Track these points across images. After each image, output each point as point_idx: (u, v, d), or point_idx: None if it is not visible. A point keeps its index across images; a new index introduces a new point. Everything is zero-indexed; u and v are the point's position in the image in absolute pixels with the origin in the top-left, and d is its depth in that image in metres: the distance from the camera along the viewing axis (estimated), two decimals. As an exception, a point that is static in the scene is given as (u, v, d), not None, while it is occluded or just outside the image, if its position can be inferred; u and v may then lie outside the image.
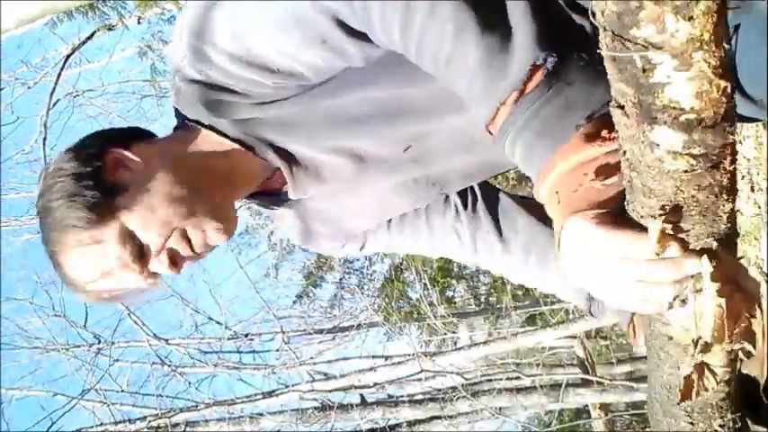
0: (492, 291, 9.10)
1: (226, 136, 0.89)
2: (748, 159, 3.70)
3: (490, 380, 6.24)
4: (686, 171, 0.48)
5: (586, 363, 6.01)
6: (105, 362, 6.48)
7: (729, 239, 0.54)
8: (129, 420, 5.95)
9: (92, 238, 0.87)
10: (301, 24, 0.73)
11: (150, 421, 5.82)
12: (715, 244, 0.53)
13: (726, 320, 0.51)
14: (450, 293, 8.99)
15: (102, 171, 0.89)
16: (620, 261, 0.54)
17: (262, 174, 0.97)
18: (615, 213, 0.56)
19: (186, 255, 0.92)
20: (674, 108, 0.45)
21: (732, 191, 0.51)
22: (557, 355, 9.19)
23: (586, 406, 6.48)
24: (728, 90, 0.44)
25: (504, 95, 0.63)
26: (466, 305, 9.55)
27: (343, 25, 0.73)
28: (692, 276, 0.52)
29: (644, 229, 0.53)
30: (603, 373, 7.15)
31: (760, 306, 0.53)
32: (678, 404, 0.61)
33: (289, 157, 0.91)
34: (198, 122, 0.90)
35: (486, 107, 0.66)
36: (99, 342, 6.58)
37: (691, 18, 0.40)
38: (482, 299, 9.45)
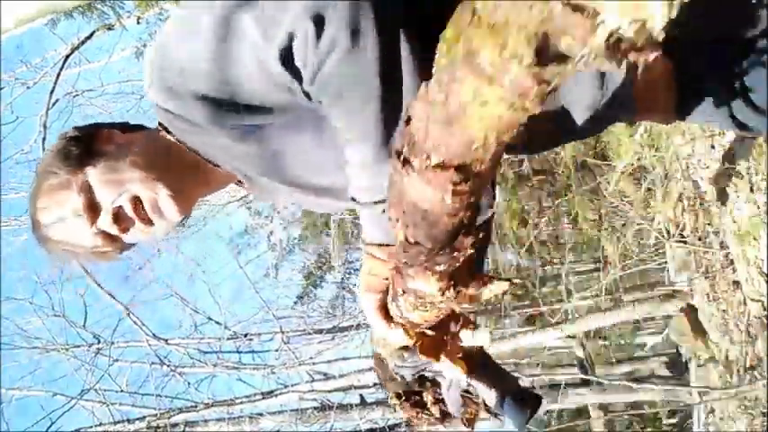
0: (491, 291, 9.09)
1: (192, 150, 0.99)
2: (747, 160, 3.70)
3: (489, 380, 6.23)
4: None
5: (586, 363, 6.01)
6: (105, 362, 6.49)
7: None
8: (129, 420, 5.95)
9: (59, 184, 0.98)
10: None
11: (149, 421, 5.82)
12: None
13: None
14: (449, 293, 8.98)
15: (93, 140, 1.00)
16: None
17: (232, 178, 1.05)
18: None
19: (134, 215, 0.97)
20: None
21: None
22: (556, 356, 9.19)
23: (586, 406, 6.49)
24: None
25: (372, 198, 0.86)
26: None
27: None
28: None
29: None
30: (603, 374, 7.15)
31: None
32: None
33: (248, 178, 1.02)
34: (167, 131, 0.99)
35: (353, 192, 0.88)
36: (98, 342, 6.58)
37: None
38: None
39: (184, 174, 1.00)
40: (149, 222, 0.98)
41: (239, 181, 1.06)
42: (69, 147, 0.99)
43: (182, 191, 0.99)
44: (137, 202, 0.97)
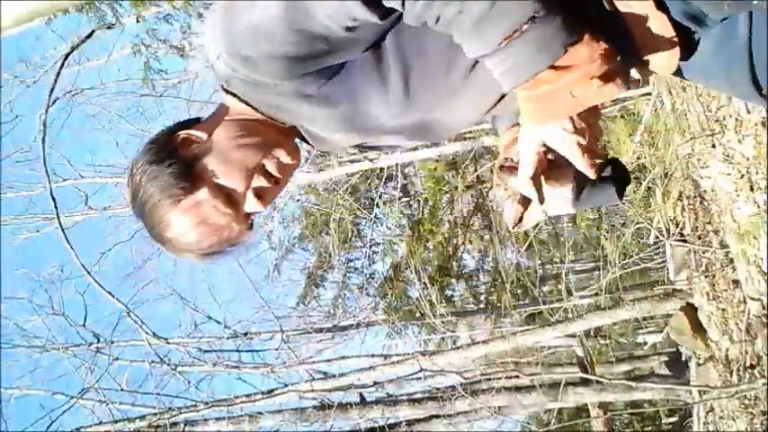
0: (491, 290, 9.11)
1: (256, 110, 1.03)
2: (747, 159, 3.70)
3: (489, 379, 6.24)
4: None
5: (585, 362, 6.02)
6: (104, 361, 6.49)
7: None
8: (129, 419, 5.95)
9: (191, 201, 1.02)
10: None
11: (150, 420, 5.82)
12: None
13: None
14: (449, 292, 9.00)
15: (176, 152, 1.04)
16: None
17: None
18: None
19: (269, 185, 1.05)
20: None
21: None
22: (556, 354, 9.19)
23: (586, 405, 6.49)
24: None
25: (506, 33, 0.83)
26: (465, 304, 9.56)
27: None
28: None
29: None
30: (603, 372, 7.14)
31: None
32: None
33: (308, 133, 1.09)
34: (235, 95, 1.03)
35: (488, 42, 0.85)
36: (98, 341, 6.58)
37: None
38: (481, 298, 9.46)
39: (277, 134, 1.06)
40: (282, 181, 1.06)
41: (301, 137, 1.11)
42: (169, 169, 1.02)
43: (286, 143, 1.06)
44: (265, 172, 1.04)
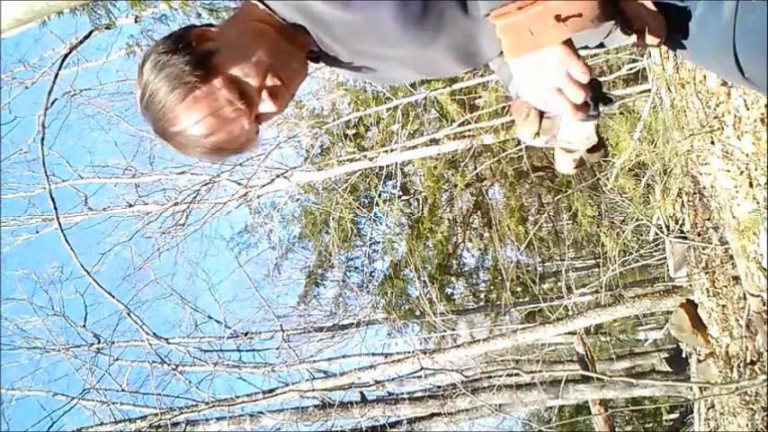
0: (491, 287, 9.11)
1: (274, 12, 1.06)
2: (747, 155, 3.70)
3: (490, 377, 6.24)
4: None
5: (586, 359, 6.02)
6: (105, 361, 6.50)
7: None
8: (130, 420, 5.95)
9: (204, 92, 1.01)
10: None
11: (151, 420, 5.83)
12: None
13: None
14: (449, 290, 9.00)
15: (191, 45, 1.03)
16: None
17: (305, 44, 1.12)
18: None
19: (284, 86, 1.05)
20: None
21: None
22: (556, 352, 9.20)
23: (586, 402, 6.50)
24: None
25: None
26: (465, 302, 9.56)
27: None
28: None
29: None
30: (603, 369, 7.15)
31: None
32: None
33: (324, 44, 1.09)
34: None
35: None
36: (99, 341, 6.58)
37: None
38: (481, 296, 9.46)
39: (290, 44, 1.07)
40: (290, 87, 1.07)
41: (310, 53, 1.11)
42: (184, 58, 1.01)
43: (293, 53, 1.07)
44: (278, 75, 1.04)
